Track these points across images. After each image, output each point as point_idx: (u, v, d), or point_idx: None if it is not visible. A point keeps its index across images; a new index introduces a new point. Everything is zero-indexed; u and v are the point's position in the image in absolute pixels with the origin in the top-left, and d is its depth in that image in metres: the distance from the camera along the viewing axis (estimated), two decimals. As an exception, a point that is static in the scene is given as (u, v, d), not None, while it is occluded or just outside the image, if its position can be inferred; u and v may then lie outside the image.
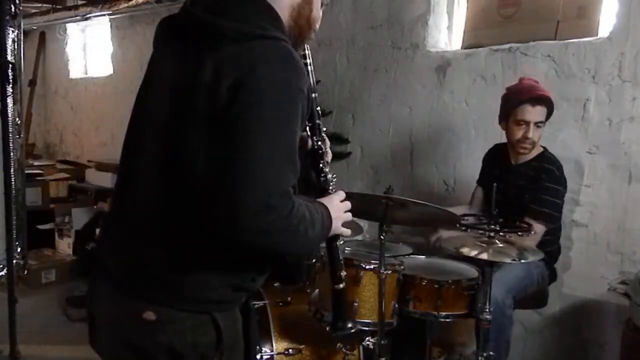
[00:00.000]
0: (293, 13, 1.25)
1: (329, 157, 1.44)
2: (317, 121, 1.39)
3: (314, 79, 1.38)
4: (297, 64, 1.14)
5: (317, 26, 1.33)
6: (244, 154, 1.06)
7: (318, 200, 1.32)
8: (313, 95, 1.32)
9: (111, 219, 1.32)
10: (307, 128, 1.39)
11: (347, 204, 1.37)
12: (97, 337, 1.32)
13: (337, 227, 1.32)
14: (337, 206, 1.33)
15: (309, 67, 1.34)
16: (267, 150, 1.07)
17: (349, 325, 1.46)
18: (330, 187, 1.38)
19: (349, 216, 1.37)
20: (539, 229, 2.34)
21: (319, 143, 1.39)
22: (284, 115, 1.10)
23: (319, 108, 1.39)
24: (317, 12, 1.30)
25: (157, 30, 1.29)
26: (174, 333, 1.18)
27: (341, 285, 1.41)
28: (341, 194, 1.37)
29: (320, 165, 1.39)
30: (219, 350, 1.22)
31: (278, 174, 1.08)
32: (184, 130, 1.15)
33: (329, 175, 1.40)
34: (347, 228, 1.38)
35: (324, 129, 1.42)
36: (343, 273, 1.42)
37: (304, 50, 1.35)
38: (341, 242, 1.42)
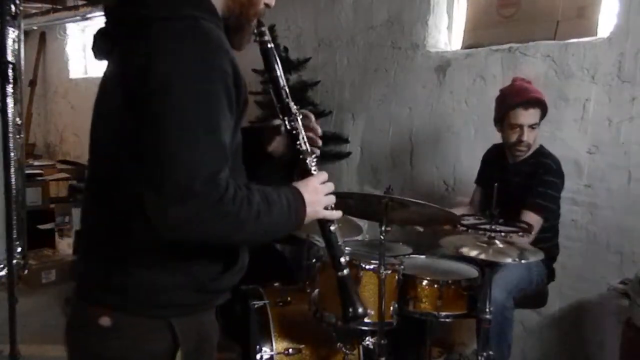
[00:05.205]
0: None
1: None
2: (287, 100, 1.29)
3: (278, 58, 1.29)
4: (212, 42, 1.07)
5: (271, 1, 1.24)
6: (157, 141, 1.00)
7: (293, 184, 1.21)
8: (281, 79, 1.28)
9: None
10: (277, 109, 1.30)
11: (329, 186, 1.25)
12: None
13: (316, 211, 1.21)
14: (315, 189, 1.22)
15: (268, 45, 1.26)
16: (181, 134, 1.00)
17: (360, 310, 1.28)
18: (313, 168, 1.26)
19: (331, 199, 1.26)
20: (535, 220, 2.32)
21: (292, 123, 1.29)
22: (199, 95, 1.02)
23: (286, 88, 1.29)
24: None
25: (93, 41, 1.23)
26: (128, 339, 1.14)
27: (345, 272, 1.29)
28: (322, 176, 1.25)
29: (297, 145, 1.28)
30: (174, 357, 1.15)
31: (197, 159, 0.99)
32: (105, 127, 1.13)
33: (309, 157, 1.28)
34: (336, 210, 1.27)
35: (297, 107, 1.31)
36: (345, 258, 1.29)
37: (258, 27, 1.25)
38: (334, 227, 1.29)
